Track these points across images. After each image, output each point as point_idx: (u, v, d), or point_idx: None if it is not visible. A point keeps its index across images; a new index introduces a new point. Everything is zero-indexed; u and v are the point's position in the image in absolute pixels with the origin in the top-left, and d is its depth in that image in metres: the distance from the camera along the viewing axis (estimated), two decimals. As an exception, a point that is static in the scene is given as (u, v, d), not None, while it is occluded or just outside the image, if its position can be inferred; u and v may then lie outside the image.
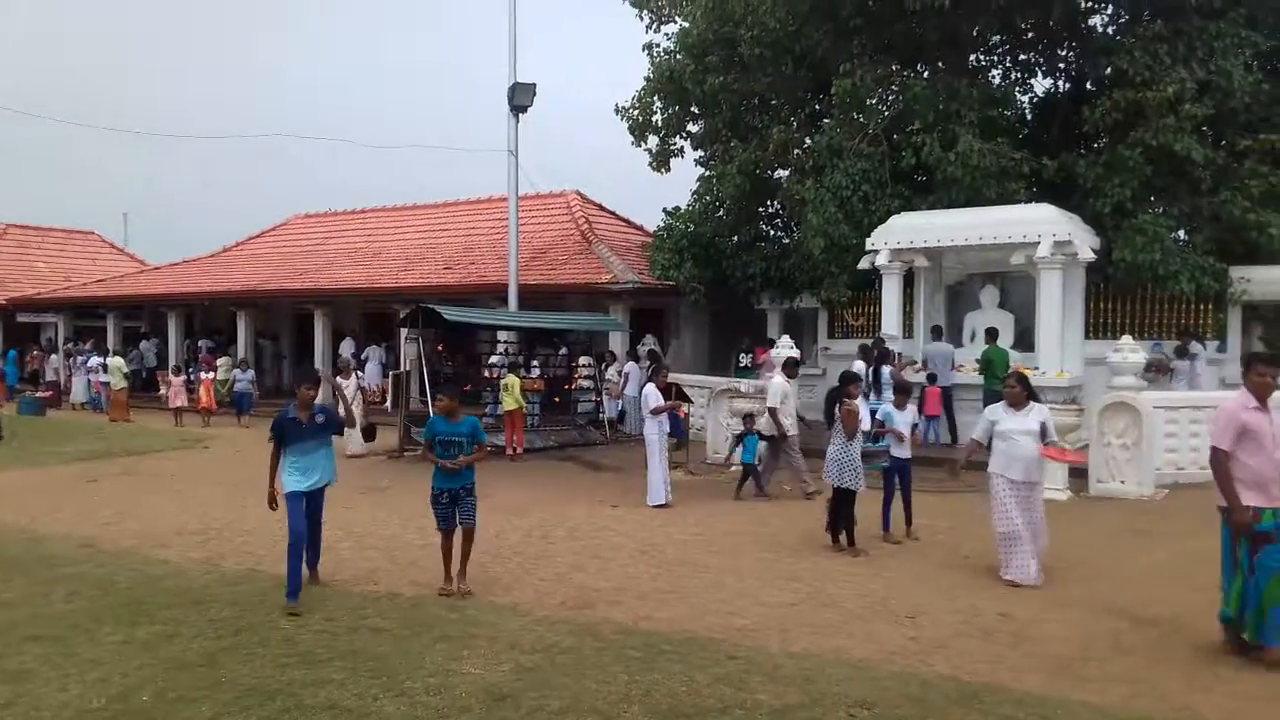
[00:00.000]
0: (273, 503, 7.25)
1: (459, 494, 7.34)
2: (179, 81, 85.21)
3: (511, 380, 16.34)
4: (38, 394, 25.97)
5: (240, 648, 6.06)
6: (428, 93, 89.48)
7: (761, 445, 12.44)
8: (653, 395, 11.62)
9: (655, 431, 11.53)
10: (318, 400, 7.41)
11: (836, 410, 9.29)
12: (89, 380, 25.75)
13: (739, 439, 12.55)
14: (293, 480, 7.15)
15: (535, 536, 9.62)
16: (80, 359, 26.83)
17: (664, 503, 11.36)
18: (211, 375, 22.44)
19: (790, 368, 13.03)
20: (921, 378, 15.19)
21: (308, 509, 7.23)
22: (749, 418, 12.57)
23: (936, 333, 16.20)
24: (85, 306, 30.67)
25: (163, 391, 23.09)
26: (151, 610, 6.90)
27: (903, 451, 9.59)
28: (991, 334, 15.33)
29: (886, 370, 13.92)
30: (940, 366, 15.36)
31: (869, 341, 15.93)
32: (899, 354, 15.11)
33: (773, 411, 12.02)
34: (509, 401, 16.15)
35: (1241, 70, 16.14)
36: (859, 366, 14.71)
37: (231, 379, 22.52)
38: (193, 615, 6.78)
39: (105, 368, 23.92)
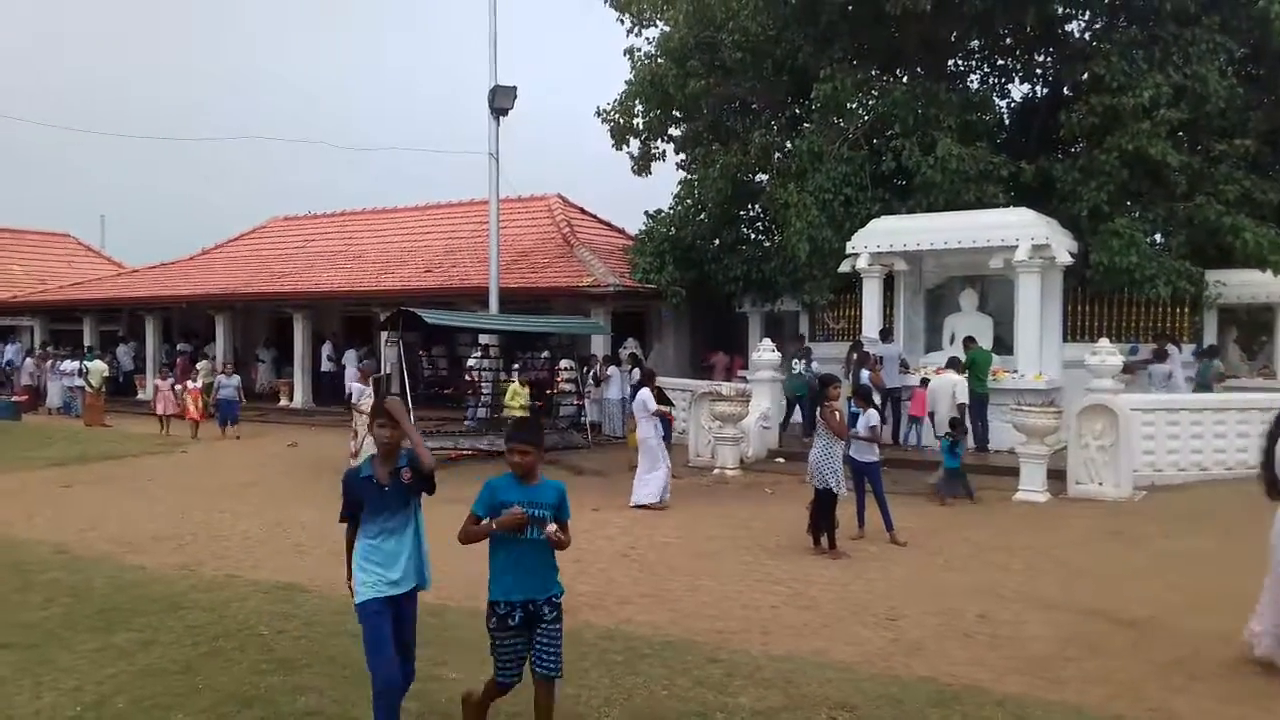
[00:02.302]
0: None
1: (539, 613, 4.40)
2: (160, 86, 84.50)
3: (514, 388, 16.93)
4: (13, 398, 25.63)
5: (218, 654, 6.00)
6: (409, 96, 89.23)
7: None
8: (649, 398, 11.84)
9: (653, 434, 11.68)
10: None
11: (819, 413, 9.33)
12: (64, 385, 25.41)
13: (951, 446, 11.96)
14: (371, 577, 4.47)
15: (516, 540, 9.56)
16: (56, 363, 26.45)
17: (645, 503, 11.44)
18: (198, 385, 20.76)
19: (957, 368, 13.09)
20: (916, 379, 15.20)
21: (395, 626, 4.49)
22: (956, 423, 12.33)
23: (885, 335, 16.10)
24: (61, 310, 30.31)
25: (140, 396, 22.64)
26: (127, 617, 6.82)
27: (868, 455, 9.62)
28: (969, 341, 15.29)
29: (865, 374, 13.96)
30: (888, 369, 15.22)
31: (807, 344, 16.91)
32: (879, 358, 15.15)
33: (963, 409, 11.84)
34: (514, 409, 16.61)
35: (1216, 76, 16.33)
36: (798, 367, 16.30)
37: (215, 384, 20.58)
38: (169, 621, 6.70)
39: (83, 371, 23.46)
